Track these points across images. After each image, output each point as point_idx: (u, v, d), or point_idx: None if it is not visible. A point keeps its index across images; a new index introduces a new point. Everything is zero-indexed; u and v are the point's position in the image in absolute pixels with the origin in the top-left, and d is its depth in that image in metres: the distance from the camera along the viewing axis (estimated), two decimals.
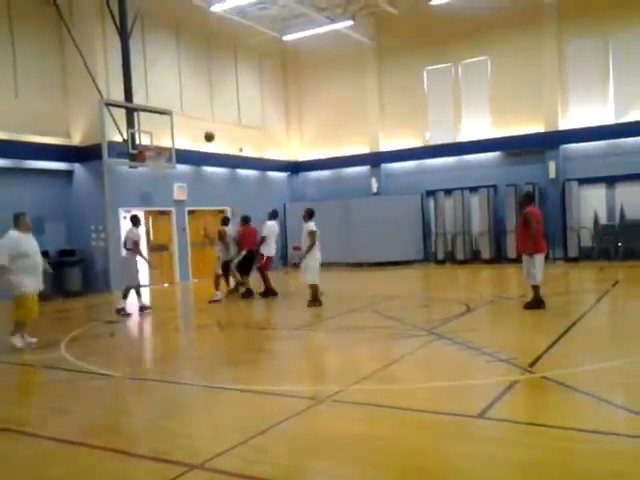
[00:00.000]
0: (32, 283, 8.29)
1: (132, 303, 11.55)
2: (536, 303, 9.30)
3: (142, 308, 11.54)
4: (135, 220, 11.79)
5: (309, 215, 11.41)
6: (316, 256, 11.16)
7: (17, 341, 8.27)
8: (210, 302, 12.35)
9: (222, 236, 12.89)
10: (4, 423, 5.08)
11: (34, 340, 8.45)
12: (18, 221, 8.27)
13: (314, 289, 11.14)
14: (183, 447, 4.30)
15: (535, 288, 9.33)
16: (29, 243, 8.31)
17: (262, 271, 12.83)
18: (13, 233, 8.21)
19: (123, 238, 12.17)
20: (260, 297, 12.74)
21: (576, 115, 18.07)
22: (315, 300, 11.12)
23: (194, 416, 5.10)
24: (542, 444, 3.99)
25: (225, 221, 13.40)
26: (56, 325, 11.32)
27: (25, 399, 5.93)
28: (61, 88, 15.99)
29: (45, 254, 14.87)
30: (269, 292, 12.80)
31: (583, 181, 17.83)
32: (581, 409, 4.76)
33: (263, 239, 12.80)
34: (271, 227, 12.94)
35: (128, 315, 11.10)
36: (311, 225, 11.30)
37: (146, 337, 9.51)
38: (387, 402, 5.06)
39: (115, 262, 14.75)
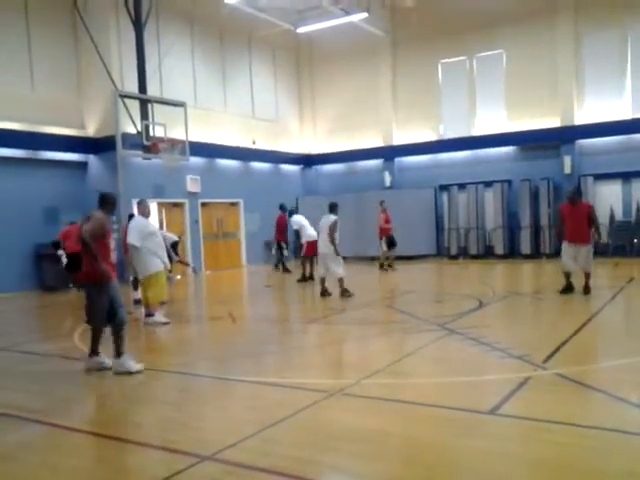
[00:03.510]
0: (159, 262, 9.29)
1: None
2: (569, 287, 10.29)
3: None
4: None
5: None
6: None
7: (161, 318, 9.26)
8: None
9: None
10: (18, 411, 5.13)
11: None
12: (140, 207, 9.38)
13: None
14: (194, 438, 4.32)
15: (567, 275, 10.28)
16: (152, 225, 9.65)
17: (302, 258, 14.29)
18: (139, 217, 9.36)
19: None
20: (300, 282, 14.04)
21: (592, 109, 17.84)
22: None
23: (205, 407, 5.12)
24: (555, 442, 3.94)
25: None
26: (70, 315, 11.43)
27: (38, 388, 5.98)
28: (76, 80, 16.07)
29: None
30: (303, 278, 14.14)
31: (599, 177, 17.63)
32: (595, 407, 4.71)
33: (296, 232, 14.61)
34: (294, 221, 14.68)
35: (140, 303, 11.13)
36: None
37: (159, 328, 9.53)
38: (398, 396, 5.04)
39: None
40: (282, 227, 16.53)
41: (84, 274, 6.31)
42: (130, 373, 6.17)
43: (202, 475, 3.71)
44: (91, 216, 6.36)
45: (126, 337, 6.42)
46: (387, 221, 16.17)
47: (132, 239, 9.05)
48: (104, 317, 6.28)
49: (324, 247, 11.22)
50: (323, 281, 11.33)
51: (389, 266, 16.39)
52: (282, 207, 16.65)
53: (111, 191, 6.83)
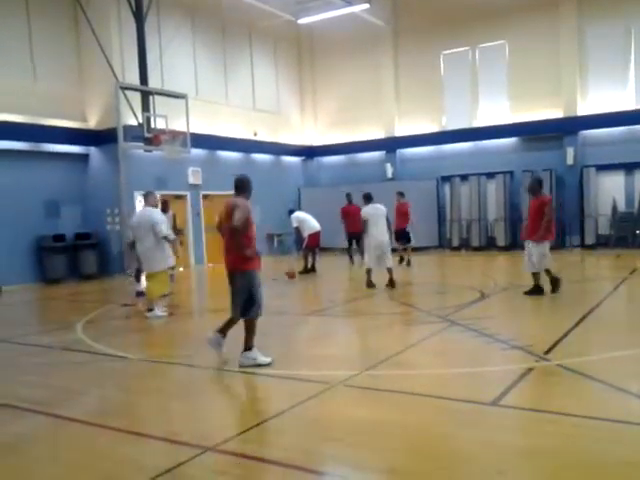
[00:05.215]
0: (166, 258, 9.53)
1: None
2: (535, 289, 9.38)
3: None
4: (164, 206, 12.06)
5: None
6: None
7: (157, 312, 9.35)
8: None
9: None
10: (18, 402, 5.15)
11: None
12: (151, 198, 9.48)
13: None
14: (196, 429, 4.33)
15: (534, 275, 9.37)
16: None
17: (305, 250, 14.49)
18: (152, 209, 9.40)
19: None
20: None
21: (595, 100, 17.76)
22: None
23: (207, 399, 5.13)
24: (555, 432, 3.95)
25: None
26: (72, 307, 11.46)
27: (42, 380, 6.00)
28: (77, 72, 16.02)
29: (61, 237, 15.10)
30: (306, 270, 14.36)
31: (601, 167, 17.56)
32: (596, 397, 4.71)
33: (296, 229, 14.69)
34: (294, 218, 14.68)
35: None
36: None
37: (160, 321, 9.55)
38: (400, 388, 5.05)
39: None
40: (351, 217, 15.41)
41: (230, 262, 6.00)
42: (259, 365, 5.85)
43: (205, 466, 3.72)
44: (232, 204, 5.87)
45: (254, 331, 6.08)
46: (398, 214, 15.39)
47: (165, 229, 9.18)
48: (241, 308, 5.97)
49: (384, 236, 10.88)
50: (370, 273, 11.07)
51: (407, 260, 15.54)
52: (348, 196, 15.66)
53: (244, 174, 6.21)
